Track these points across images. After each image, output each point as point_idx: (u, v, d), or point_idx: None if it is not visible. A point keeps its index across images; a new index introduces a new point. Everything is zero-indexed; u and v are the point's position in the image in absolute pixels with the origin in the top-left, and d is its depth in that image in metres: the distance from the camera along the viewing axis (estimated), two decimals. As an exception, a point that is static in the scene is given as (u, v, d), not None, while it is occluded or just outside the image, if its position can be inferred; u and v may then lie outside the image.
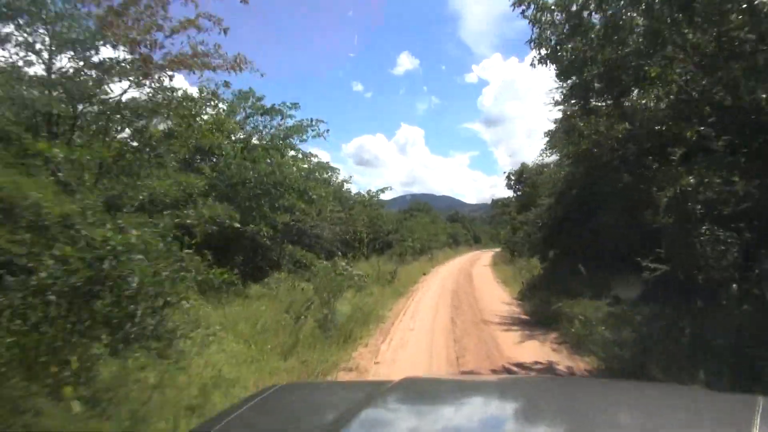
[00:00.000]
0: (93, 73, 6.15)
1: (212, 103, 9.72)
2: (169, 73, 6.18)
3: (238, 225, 7.60)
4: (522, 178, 24.12)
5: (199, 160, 10.33)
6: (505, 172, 24.89)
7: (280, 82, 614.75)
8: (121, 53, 6.06)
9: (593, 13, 5.71)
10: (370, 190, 22.96)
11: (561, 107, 10.02)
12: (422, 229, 31.69)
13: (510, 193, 27.36)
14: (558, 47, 6.05)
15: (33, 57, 5.90)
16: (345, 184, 21.92)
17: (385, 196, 23.27)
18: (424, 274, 19.70)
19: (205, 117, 9.59)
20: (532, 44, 6.11)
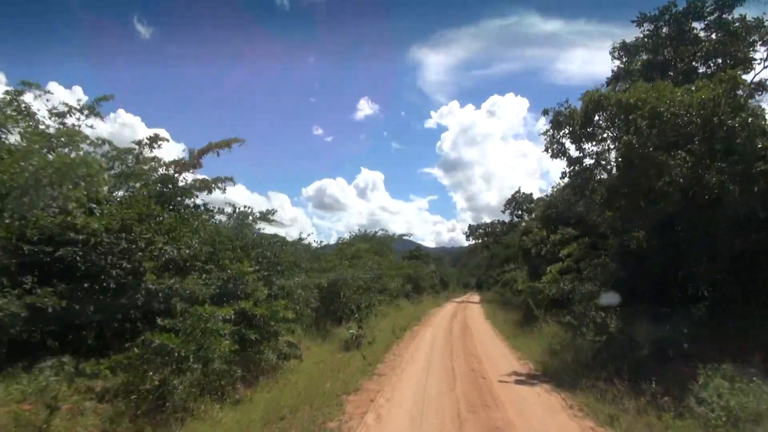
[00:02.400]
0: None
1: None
2: None
3: None
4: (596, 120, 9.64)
5: None
6: (545, 116, 10.19)
7: (241, 125, 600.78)
8: None
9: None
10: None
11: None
12: (344, 264, 16.29)
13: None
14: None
15: None
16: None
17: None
18: None
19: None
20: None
